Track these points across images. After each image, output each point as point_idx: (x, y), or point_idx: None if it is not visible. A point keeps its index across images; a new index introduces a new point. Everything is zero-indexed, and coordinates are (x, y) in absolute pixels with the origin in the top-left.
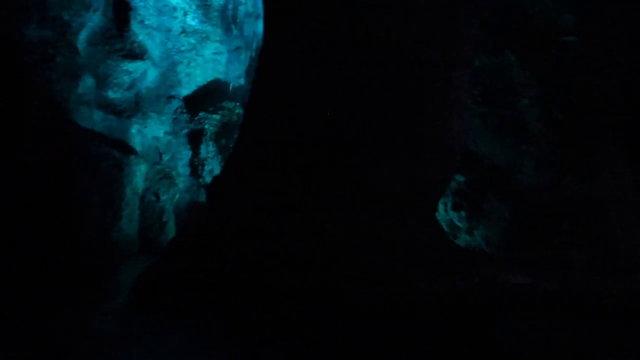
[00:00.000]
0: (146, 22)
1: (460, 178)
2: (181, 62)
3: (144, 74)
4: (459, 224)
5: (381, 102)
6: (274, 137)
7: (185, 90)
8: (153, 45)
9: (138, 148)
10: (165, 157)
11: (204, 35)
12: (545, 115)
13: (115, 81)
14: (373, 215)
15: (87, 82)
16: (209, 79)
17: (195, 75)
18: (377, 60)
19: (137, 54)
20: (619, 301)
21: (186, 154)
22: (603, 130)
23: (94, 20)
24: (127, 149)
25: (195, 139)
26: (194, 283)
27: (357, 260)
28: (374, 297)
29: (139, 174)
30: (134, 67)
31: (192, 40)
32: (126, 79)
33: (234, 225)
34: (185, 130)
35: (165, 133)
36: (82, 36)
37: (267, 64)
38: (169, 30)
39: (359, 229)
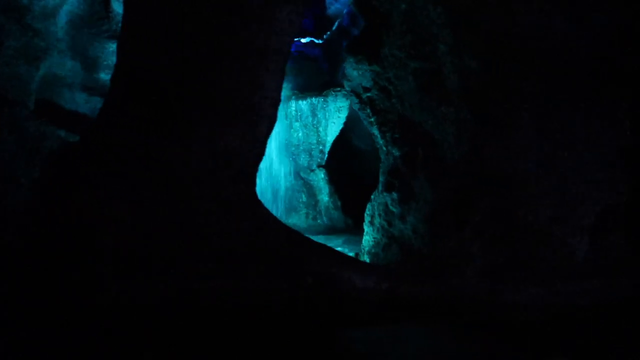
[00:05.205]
0: None
1: (395, 152)
2: None
3: None
4: (393, 209)
5: (183, 56)
6: None
7: None
8: None
9: None
10: None
11: None
12: (460, 64)
13: (105, 63)
14: (172, 202)
15: (68, 65)
16: None
17: None
18: None
19: None
20: (512, 315)
21: None
22: (520, 82)
23: (71, 3)
24: None
25: None
26: None
27: (149, 255)
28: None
29: None
30: None
31: None
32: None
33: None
34: None
35: None
36: (62, 20)
37: None
38: None
39: (154, 219)
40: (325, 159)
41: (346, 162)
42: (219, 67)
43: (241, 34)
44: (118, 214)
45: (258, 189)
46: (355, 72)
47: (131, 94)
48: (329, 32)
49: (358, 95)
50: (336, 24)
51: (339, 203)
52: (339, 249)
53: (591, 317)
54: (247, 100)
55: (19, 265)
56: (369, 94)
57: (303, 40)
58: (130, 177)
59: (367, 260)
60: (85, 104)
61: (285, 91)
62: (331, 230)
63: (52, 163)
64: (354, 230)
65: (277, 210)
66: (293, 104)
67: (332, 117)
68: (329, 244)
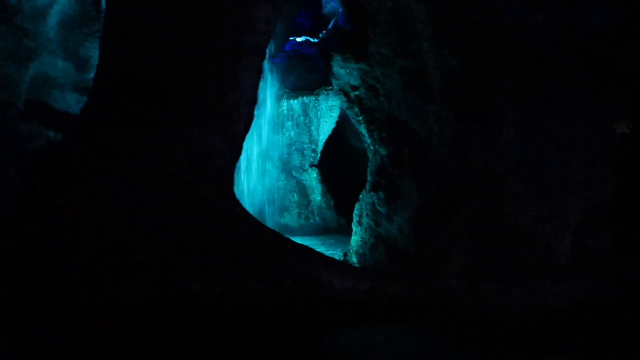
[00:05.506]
0: None
1: (383, 151)
2: None
3: None
4: (380, 208)
5: (160, 55)
6: None
7: None
8: None
9: None
10: None
11: None
12: (442, 62)
13: (97, 63)
14: (153, 201)
15: (59, 66)
16: None
17: None
18: None
19: None
20: (499, 316)
21: None
22: (504, 81)
23: (62, 4)
24: None
25: None
26: None
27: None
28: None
29: None
30: None
31: None
32: None
33: None
34: None
35: None
36: (53, 21)
37: None
38: None
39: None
40: (318, 158)
41: (341, 162)
42: (195, 65)
43: (218, 32)
44: (98, 213)
45: (250, 189)
46: (343, 71)
47: (112, 93)
48: (324, 31)
49: (346, 94)
50: (332, 22)
51: (332, 203)
52: (329, 249)
53: (578, 317)
54: (224, 99)
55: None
56: (357, 93)
57: (299, 40)
58: (111, 176)
59: (355, 261)
60: (76, 104)
61: (277, 90)
62: (324, 230)
63: (33, 162)
64: (347, 230)
65: (269, 210)
66: (285, 103)
67: (324, 116)
68: (321, 244)
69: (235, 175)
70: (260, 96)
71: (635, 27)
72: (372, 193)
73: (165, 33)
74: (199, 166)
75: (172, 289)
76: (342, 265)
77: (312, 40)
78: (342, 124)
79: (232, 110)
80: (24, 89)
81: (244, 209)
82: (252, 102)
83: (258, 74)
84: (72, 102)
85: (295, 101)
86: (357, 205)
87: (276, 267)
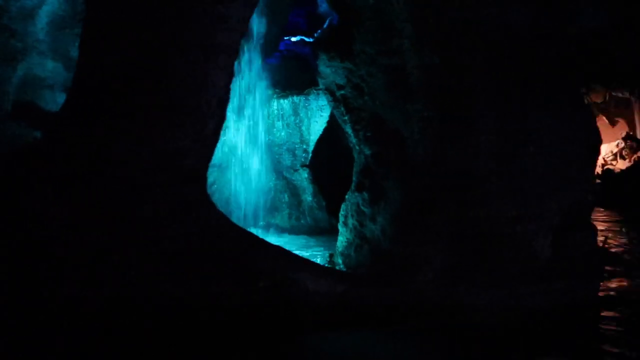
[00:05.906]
0: None
1: (367, 150)
2: None
3: None
4: (364, 209)
5: (131, 54)
6: None
7: None
8: None
9: None
10: None
11: None
12: (422, 60)
13: None
14: (122, 203)
15: (49, 66)
16: None
17: None
18: None
19: None
20: (478, 319)
21: None
22: (484, 79)
23: (51, 4)
24: None
25: None
26: None
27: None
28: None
29: None
30: None
31: None
32: None
33: None
34: None
35: None
36: (42, 21)
37: None
38: None
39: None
40: (309, 158)
41: (332, 162)
42: (167, 64)
43: (190, 29)
44: (66, 215)
45: (241, 190)
46: (329, 70)
47: (87, 92)
48: (319, 30)
49: (332, 93)
50: (327, 21)
51: (323, 203)
52: (320, 250)
53: (566, 317)
54: (195, 99)
55: None
56: (342, 92)
57: (293, 39)
58: (79, 178)
59: (340, 261)
60: None
61: (267, 90)
62: (315, 230)
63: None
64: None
65: (259, 210)
66: (275, 102)
67: (314, 115)
68: (311, 244)
69: (227, 175)
70: (252, 96)
71: (635, 27)
72: (357, 193)
73: (135, 31)
74: (171, 166)
75: (145, 291)
76: (318, 267)
77: (307, 39)
78: (334, 123)
79: (203, 110)
80: (11, 89)
81: (217, 210)
82: (223, 101)
83: (230, 73)
84: (62, 103)
85: (285, 100)
86: (342, 206)
87: (250, 268)
